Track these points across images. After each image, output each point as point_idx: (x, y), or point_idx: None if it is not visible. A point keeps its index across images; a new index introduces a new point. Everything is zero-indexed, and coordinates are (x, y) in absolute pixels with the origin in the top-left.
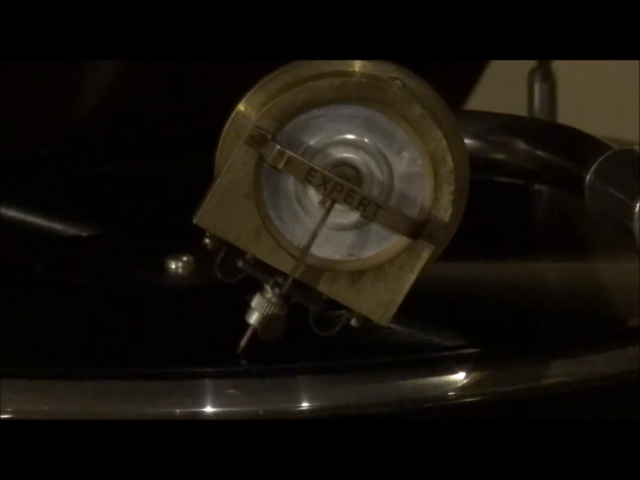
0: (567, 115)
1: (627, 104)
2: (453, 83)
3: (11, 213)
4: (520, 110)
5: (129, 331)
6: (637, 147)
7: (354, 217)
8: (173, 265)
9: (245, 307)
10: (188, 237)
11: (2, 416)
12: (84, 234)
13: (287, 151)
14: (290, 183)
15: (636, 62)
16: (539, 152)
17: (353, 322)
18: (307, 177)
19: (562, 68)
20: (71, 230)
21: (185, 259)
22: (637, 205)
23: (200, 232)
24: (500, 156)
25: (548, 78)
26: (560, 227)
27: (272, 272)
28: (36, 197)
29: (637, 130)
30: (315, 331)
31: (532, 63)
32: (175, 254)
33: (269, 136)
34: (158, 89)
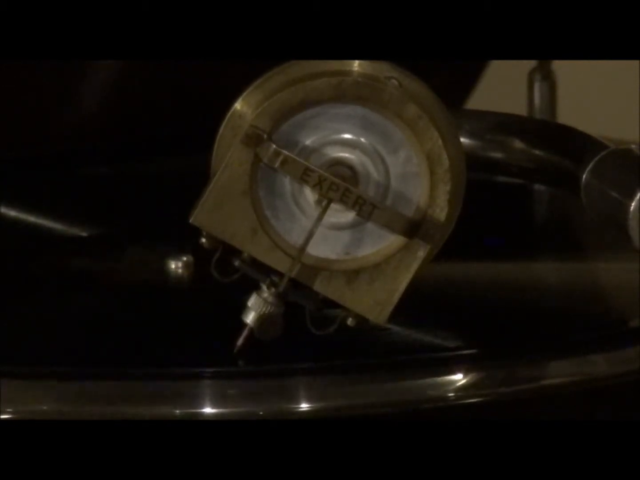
0: (567, 115)
1: (627, 104)
2: (453, 83)
3: (11, 213)
4: (520, 110)
5: (129, 331)
6: (633, 146)
7: (350, 216)
8: (173, 265)
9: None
10: (188, 237)
11: (2, 416)
12: (84, 234)
13: (283, 151)
14: (286, 182)
15: (636, 62)
16: (536, 151)
17: (349, 321)
18: (303, 176)
19: (562, 68)
20: (71, 230)
21: (185, 259)
22: (633, 204)
23: (199, 232)
24: (497, 155)
25: (548, 78)
26: (559, 226)
27: (268, 272)
28: (36, 197)
29: (637, 130)
30: (311, 330)
31: (532, 63)
32: (175, 254)
33: (265, 136)
34: (158, 89)
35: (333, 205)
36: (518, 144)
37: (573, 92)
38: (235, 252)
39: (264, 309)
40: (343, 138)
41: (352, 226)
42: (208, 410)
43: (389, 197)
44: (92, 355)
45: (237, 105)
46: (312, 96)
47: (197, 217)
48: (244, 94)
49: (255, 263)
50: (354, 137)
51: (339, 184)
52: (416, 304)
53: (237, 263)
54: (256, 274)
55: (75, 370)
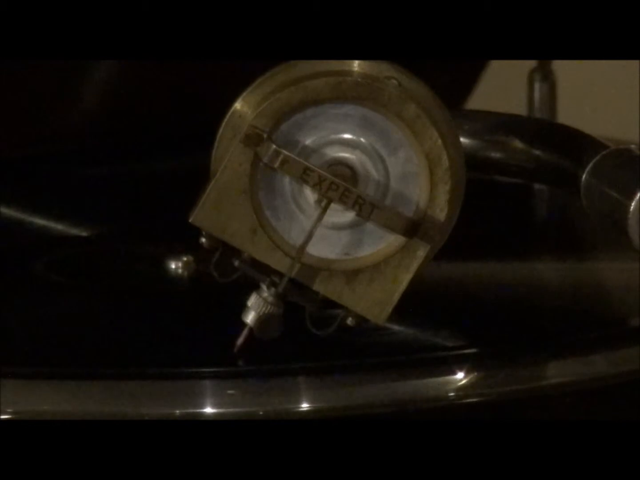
0: (567, 115)
1: (627, 104)
2: (453, 83)
3: (11, 213)
4: (520, 110)
5: (129, 331)
6: (633, 146)
7: (349, 216)
8: (173, 265)
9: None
10: (188, 237)
11: (2, 416)
12: (84, 234)
13: (283, 151)
14: (286, 182)
15: (636, 62)
16: (535, 151)
17: (349, 321)
18: (303, 176)
19: (562, 68)
20: (71, 230)
21: (185, 259)
22: (633, 204)
23: (199, 232)
24: (496, 155)
25: (548, 78)
26: (558, 226)
27: (268, 272)
28: (36, 197)
29: (637, 130)
30: (311, 330)
31: (532, 63)
32: (175, 254)
33: (265, 135)
34: (158, 89)
35: (333, 205)
36: (518, 144)
37: (573, 92)
38: (235, 252)
39: (263, 308)
40: (343, 138)
41: (351, 226)
42: (208, 410)
43: (388, 197)
44: (92, 355)
45: (237, 105)
46: (312, 96)
47: (197, 216)
48: (244, 94)
49: (255, 263)
50: (354, 137)
51: (339, 183)
52: (416, 304)
53: (237, 263)
54: (256, 273)
55: (75, 370)
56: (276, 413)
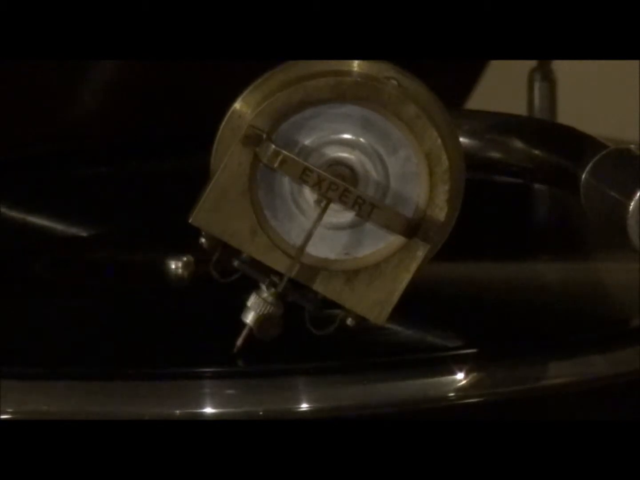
0: (567, 115)
1: (627, 104)
2: (453, 83)
3: (11, 213)
4: (520, 110)
5: (129, 331)
6: (633, 146)
7: (349, 216)
8: (173, 265)
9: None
10: (188, 237)
11: (2, 416)
12: (84, 234)
13: (283, 151)
14: (285, 182)
15: (636, 62)
16: (535, 151)
17: (349, 321)
18: (302, 176)
19: (562, 68)
20: (71, 230)
21: (185, 259)
22: (632, 204)
23: (199, 232)
24: (496, 155)
25: (548, 78)
26: (559, 226)
27: (268, 272)
28: (36, 197)
29: (637, 130)
30: (311, 330)
31: (532, 63)
32: (175, 254)
33: (264, 136)
34: (158, 89)
35: (332, 205)
36: (518, 144)
37: (573, 92)
38: (235, 252)
39: (263, 309)
40: (342, 138)
41: (351, 226)
42: (208, 410)
43: (388, 197)
44: (92, 355)
45: (237, 105)
46: (312, 96)
47: (197, 217)
48: (244, 94)
49: (254, 263)
50: (353, 137)
51: (338, 183)
52: (416, 304)
53: (236, 263)
54: (256, 274)
55: (76, 370)
56: (276, 413)
